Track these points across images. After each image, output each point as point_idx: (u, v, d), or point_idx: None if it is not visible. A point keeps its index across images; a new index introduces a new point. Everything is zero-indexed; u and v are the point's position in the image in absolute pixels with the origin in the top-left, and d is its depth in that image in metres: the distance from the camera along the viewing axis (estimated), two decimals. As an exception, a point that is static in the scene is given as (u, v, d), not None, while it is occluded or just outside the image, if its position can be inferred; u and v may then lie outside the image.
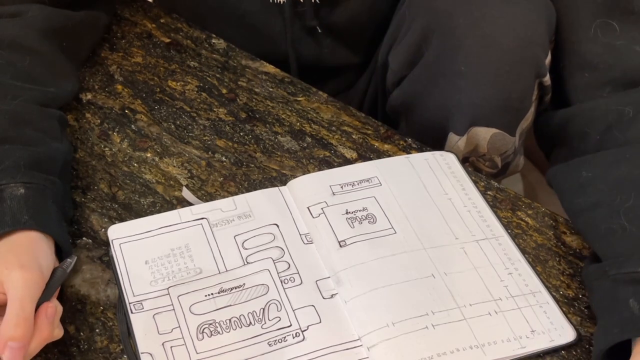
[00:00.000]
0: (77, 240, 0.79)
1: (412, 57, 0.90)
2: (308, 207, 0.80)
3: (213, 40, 1.02)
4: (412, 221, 0.80)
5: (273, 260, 0.76)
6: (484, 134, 0.89)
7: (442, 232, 0.79)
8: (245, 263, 0.76)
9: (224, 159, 0.87)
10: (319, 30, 1.00)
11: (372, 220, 0.79)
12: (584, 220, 0.77)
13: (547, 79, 0.87)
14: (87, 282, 0.76)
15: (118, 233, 0.77)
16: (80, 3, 0.93)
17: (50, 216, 0.72)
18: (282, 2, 0.97)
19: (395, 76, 0.95)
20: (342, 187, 0.82)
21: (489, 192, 0.86)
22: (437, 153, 0.87)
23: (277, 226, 0.79)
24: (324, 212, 0.79)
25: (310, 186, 0.82)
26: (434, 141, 0.92)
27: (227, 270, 0.75)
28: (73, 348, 0.71)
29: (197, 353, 0.69)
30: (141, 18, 1.05)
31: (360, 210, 0.80)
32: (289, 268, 0.76)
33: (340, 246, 0.77)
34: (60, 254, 0.73)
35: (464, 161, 0.93)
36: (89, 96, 0.94)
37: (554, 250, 0.81)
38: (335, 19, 1.00)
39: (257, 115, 0.92)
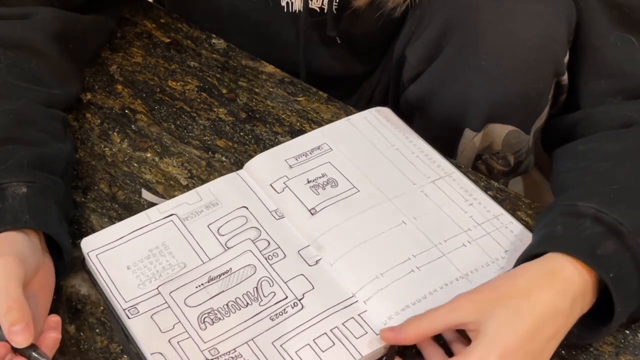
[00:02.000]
0: (77, 240, 0.78)
1: (431, 52, 0.90)
2: (271, 184, 0.82)
3: (213, 40, 1.02)
4: (370, 177, 0.83)
5: (252, 241, 0.78)
6: (500, 131, 0.90)
7: (399, 181, 0.83)
8: (226, 249, 0.77)
9: (224, 159, 0.88)
10: (339, 41, 0.99)
11: (333, 184, 0.83)
12: (560, 180, 0.81)
13: (564, 78, 0.88)
14: (87, 282, 0.76)
15: (92, 245, 0.77)
16: (88, 7, 0.92)
17: (51, 216, 0.73)
18: (296, 12, 0.96)
19: (413, 71, 0.94)
20: (296, 159, 0.85)
21: (489, 192, 0.86)
22: (373, 110, 0.91)
23: (247, 208, 0.81)
24: (287, 186, 0.82)
25: (267, 164, 0.84)
26: (449, 136, 0.93)
27: (210, 259, 0.76)
28: (73, 348, 0.72)
29: (204, 342, 0.71)
30: (141, 18, 1.04)
31: (320, 177, 0.83)
32: (269, 245, 0.78)
33: (312, 214, 0.80)
34: (61, 254, 0.73)
35: (477, 159, 0.95)
36: (89, 96, 0.93)
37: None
38: (351, 29, 0.99)
39: (257, 115, 0.93)
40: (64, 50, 0.87)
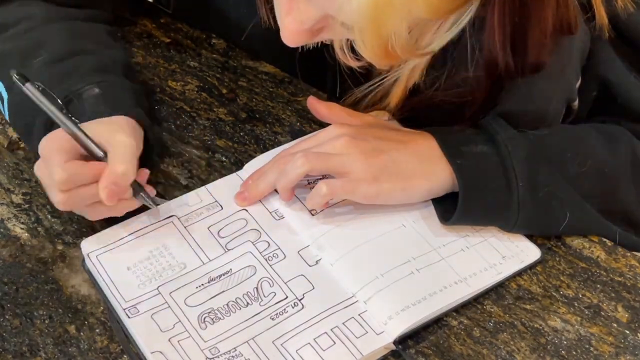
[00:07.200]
0: (77, 239, 0.79)
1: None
2: (271, 185, 0.83)
3: (213, 40, 1.02)
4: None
5: (252, 243, 0.78)
6: None
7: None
8: (226, 250, 0.78)
9: (224, 159, 0.88)
10: None
11: (333, 185, 0.83)
12: None
13: (575, 104, 0.88)
14: (87, 282, 0.76)
15: (92, 246, 0.77)
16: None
17: (126, 102, 0.83)
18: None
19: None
20: (296, 161, 0.85)
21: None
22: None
23: (247, 210, 0.81)
24: (287, 187, 0.82)
25: (266, 165, 0.85)
26: None
27: (210, 261, 0.77)
28: (73, 348, 0.72)
29: (204, 342, 0.71)
30: (141, 18, 1.05)
31: (320, 178, 0.83)
32: (269, 246, 0.78)
33: (312, 214, 0.80)
34: None
35: None
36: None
37: (554, 250, 0.81)
38: None
39: (257, 115, 0.93)
40: None
